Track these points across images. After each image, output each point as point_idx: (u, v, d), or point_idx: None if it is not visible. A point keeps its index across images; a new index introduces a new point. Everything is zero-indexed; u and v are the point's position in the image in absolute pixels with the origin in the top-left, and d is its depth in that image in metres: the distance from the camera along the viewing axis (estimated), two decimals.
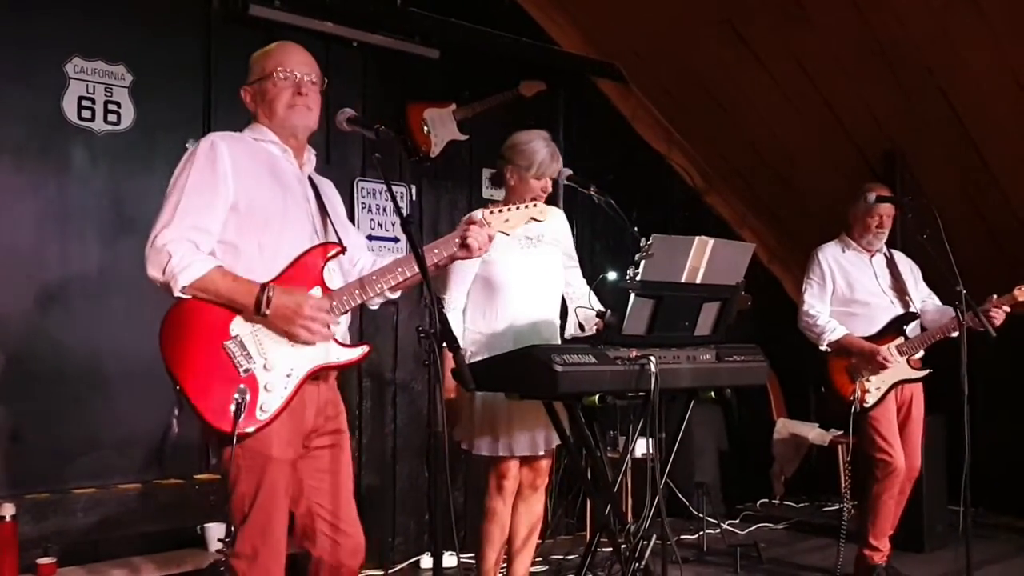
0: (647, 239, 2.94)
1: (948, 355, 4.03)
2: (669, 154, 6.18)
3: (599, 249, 5.68)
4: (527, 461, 3.52)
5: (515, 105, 5.13)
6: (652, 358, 2.93)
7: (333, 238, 2.57)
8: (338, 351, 2.50)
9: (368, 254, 2.77)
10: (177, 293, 2.32)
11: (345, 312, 2.52)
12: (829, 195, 5.69)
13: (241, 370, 2.35)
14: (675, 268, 3.03)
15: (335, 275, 2.57)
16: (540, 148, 3.46)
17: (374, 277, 2.51)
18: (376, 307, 2.77)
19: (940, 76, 4.90)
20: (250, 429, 2.33)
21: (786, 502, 6.31)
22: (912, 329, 4.30)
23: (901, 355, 4.21)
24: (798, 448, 6.11)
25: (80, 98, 3.87)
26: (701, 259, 3.06)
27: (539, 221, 2.81)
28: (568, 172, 3.60)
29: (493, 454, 3.44)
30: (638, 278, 2.93)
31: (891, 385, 4.22)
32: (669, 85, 5.82)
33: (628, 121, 6.00)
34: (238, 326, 2.37)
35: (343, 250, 2.55)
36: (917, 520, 4.94)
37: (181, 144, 4.11)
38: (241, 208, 2.43)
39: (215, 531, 3.80)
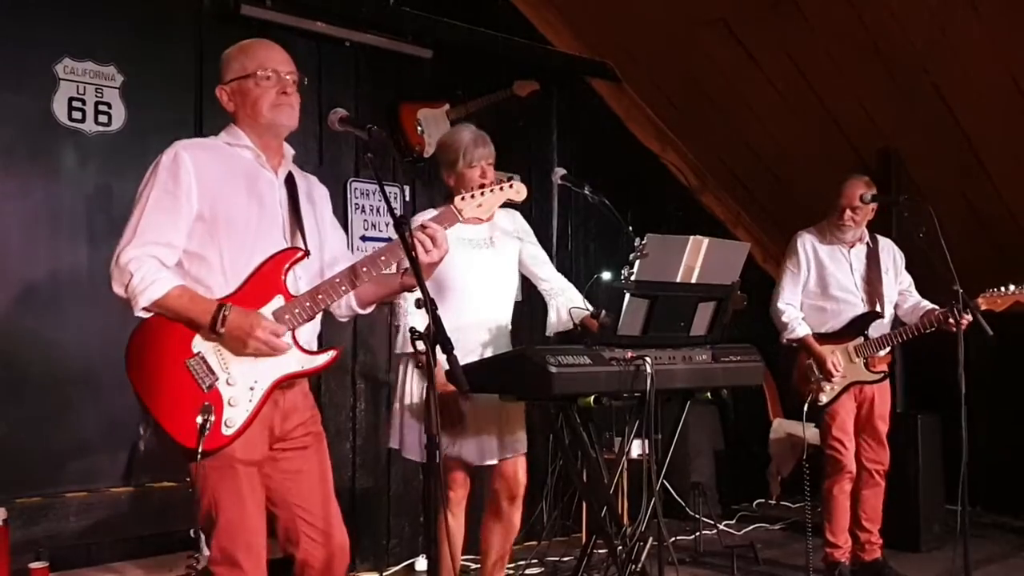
0: (642, 239, 2.93)
1: (944, 353, 4.02)
2: (663, 153, 6.17)
3: (593, 249, 5.66)
4: (495, 470, 3.39)
5: (508, 105, 5.12)
6: (648, 359, 2.92)
7: (299, 243, 2.53)
8: (302, 359, 2.47)
9: (348, 257, 2.69)
10: (138, 312, 2.35)
11: (310, 318, 2.48)
12: (824, 194, 5.67)
13: (204, 386, 2.35)
14: (670, 268, 3.02)
15: (302, 280, 2.53)
16: (461, 137, 3.35)
17: (337, 280, 2.48)
18: (344, 319, 2.75)
19: (936, 75, 4.89)
20: (216, 446, 2.34)
21: (783, 502, 6.29)
22: (877, 328, 4.32)
23: (858, 356, 4.27)
24: (795, 448, 6.08)
25: (70, 99, 3.84)
26: (696, 259, 3.04)
27: (516, 203, 2.73)
28: (562, 172, 3.58)
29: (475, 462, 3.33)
30: (633, 278, 2.92)
31: (845, 386, 4.28)
32: (663, 84, 5.80)
33: (622, 120, 5.99)
34: (199, 342, 2.37)
35: (306, 255, 2.51)
36: (914, 520, 4.94)
37: (174, 144, 4.10)
38: (207, 218, 2.41)
39: None
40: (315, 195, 2.70)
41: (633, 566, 3.11)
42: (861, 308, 4.34)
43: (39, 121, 3.78)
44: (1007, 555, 4.96)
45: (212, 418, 2.32)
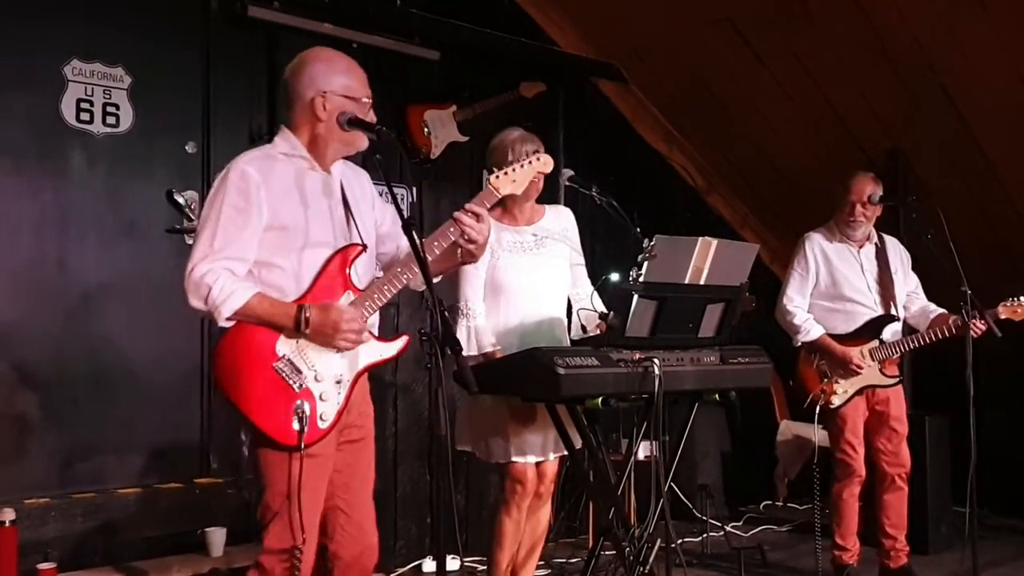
0: (650, 240, 2.93)
1: (952, 356, 4.01)
2: (670, 154, 6.16)
3: (600, 251, 5.65)
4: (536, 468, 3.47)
5: (515, 106, 5.10)
6: (656, 360, 2.92)
7: (356, 239, 2.61)
8: (380, 348, 2.60)
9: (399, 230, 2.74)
10: (222, 323, 2.42)
11: (378, 308, 2.60)
12: (832, 195, 5.67)
13: (295, 386, 2.45)
14: (678, 269, 3.01)
15: (367, 272, 2.65)
16: (508, 136, 3.44)
17: (399, 269, 2.58)
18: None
19: (943, 74, 4.88)
20: (315, 439, 2.45)
21: (790, 504, 6.27)
22: (891, 332, 4.27)
23: (873, 359, 4.20)
24: (802, 450, 6.07)
25: (79, 100, 3.85)
26: (705, 260, 3.04)
27: (545, 174, 2.79)
28: (570, 173, 3.59)
29: (507, 459, 3.38)
30: (641, 279, 2.91)
31: (858, 389, 4.22)
32: (669, 85, 5.80)
33: (628, 121, 5.98)
34: (283, 345, 2.46)
35: (364, 249, 2.61)
36: (922, 522, 4.92)
37: (180, 146, 4.11)
38: (275, 227, 2.49)
39: (216, 536, 3.78)
40: (361, 181, 2.76)
41: (641, 568, 3.10)
42: (875, 310, 4.26)
43: (47, 122, 3.78)
44: (1015, 557, 4.95)
45: (308, 414, 2.43)
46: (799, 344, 4.29)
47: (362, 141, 2.62)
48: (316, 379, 2.48)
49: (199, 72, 4.17)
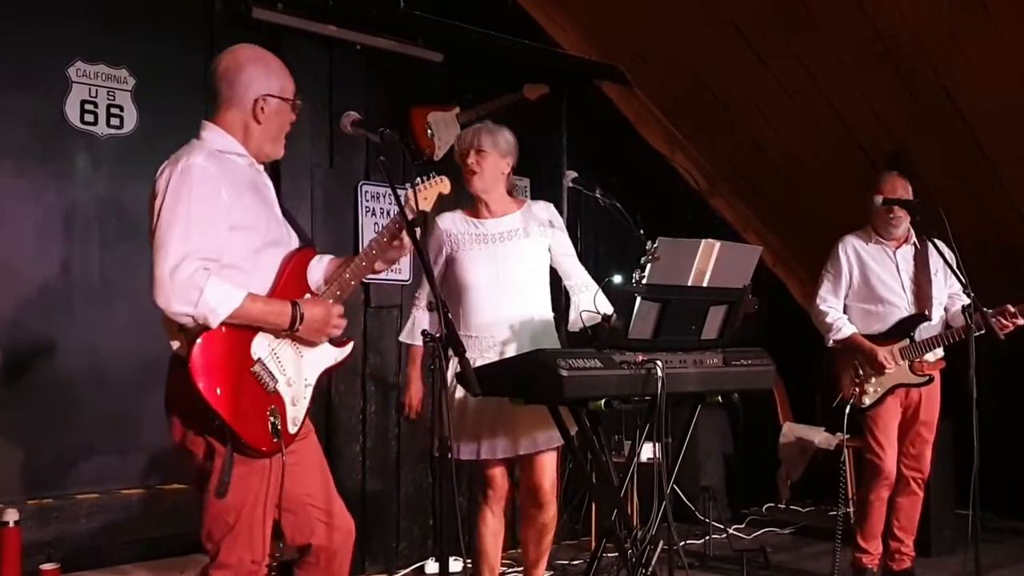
0: (653, 242, 2.92)
1: (955, 358, 4.01)
2: (672, 156, 6.16)
3: (603, 253, 5.66)
4: (522, 471, 3.46)
5: (518, 108, 5.11)
6: (659, 362, 2.91)
7: (295, 237, 2.61)
8: (335, 352, 2.62)
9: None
10: (213, 326, 2.30)
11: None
12: (834, 197, 5.67)
13: (269, 390, 2.42)
14: (681, 271, 3.01)
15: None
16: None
17: (347, 275, 2.58)
18: None
19: (946, 77, 4.88)
20: (287, 444, 2.43)
21: (792, 506, 6.28)
22: (925, 331, 4.23)
23: (903, 359, 4.17)
24: (804, 452, 6.07)
25: (83, 102, 3.86)
26: (708, 262, 3.04)
27: (444, 194, 2.88)
28: (573, 175, 3.59)
29: (473, 458, 3.38)
30: (644, 281, 2.91)
31: (890, 388, 4.19)
32: (672, 87, 5.80)
33: (631, 123, 5.98)
34: (258, 348, 2.41)
35: (315, 253, 2.64)
36: (925, 524, 4.89)
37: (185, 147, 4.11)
38: (236, 227, 2.41)
39: None
40: (270, 184, 2.71)
41: (643, 570, 3.10)
42: (908, 311, 4.24)
43: (51, 123, 3.80)
44: (1018, 560, 4.94)
45: (280, 418, 2.41)
46: (831, 343, 4.28)
47: (282, 146, 2.58)
48: (288, 383, 2.45)
49: (203, 74, 4.12)
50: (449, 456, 2.39)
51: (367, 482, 4.65)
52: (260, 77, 2.51)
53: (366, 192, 4.69)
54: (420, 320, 3.56)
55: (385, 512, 4.73)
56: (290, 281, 2.50)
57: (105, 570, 3.64)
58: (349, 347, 2.65)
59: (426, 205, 2.82)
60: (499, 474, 3.46)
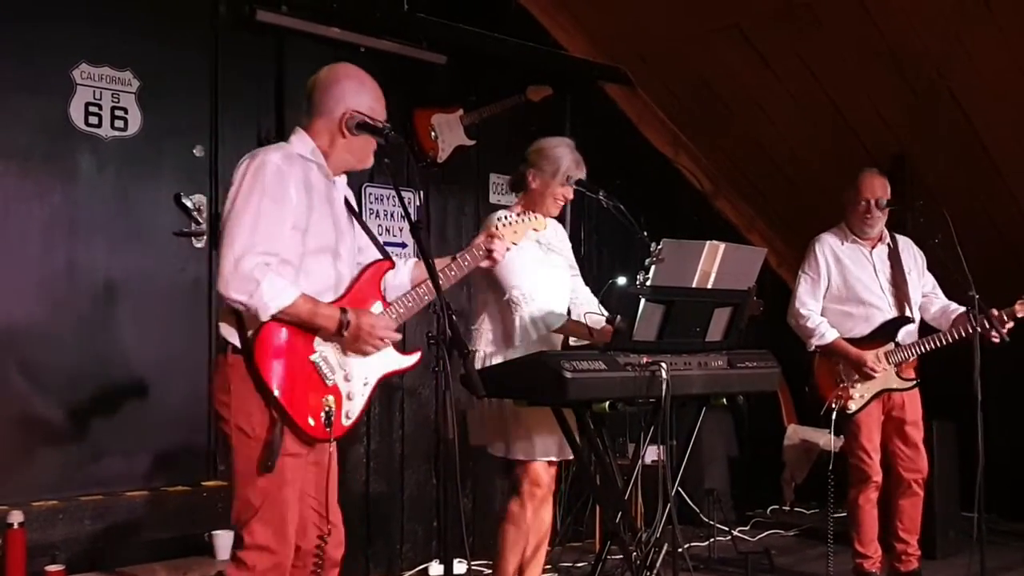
0: (657, 244, 2.92)
1: (960, 361, 4.00)
2: (676, 158, 6.16)
3: (606, 254, 5.66)
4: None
5: (522, 110, 5.11)
6: (663, 364, 2.91)
7: (377, 253, 2.74)
8: (399, 358, 2.72)
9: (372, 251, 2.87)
10: (264, 319, 2.42)
11: (402, 322, 2.71)
12: (838, 199, 5.65)
13: (328, 381, 2.53)
14: (686, 273, 3.01)
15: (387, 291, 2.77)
16: (566, 154, 3.48)
17: (422, 289, 2.70)
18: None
19: (950, 79, 4.87)
20: (338, 435, 2.54)
21: (797, 509, 6.27)
22: (907, 334, 4.22)
23: (889, 362, 4.16)
24: (809, 454, 6.06)
25: (87, 104, 3.86)
26: (712, 264, 3.04)
27: (537, 231, 3.03)
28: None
29: (529, 458, 3.36)
30: (648, 283, 2.91)
31: (876, 393, 4.17)
32: (676, 89, 5.80)
33: (635, 125, 5.98)
34: (320, 341, 2.53)
35: (393, 266, 2.78)
36: (930, 527, 4.90)
37: (188, 150, 4.12)
38: (301, 228, 2.52)
39: (223, 538, 3.78)
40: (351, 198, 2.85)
41: (648, 572, 3.10)
42: (889, 312, 4.21)
43: (56, 126, 3.79)
44: (1023, 562, 4.93)
45: (334, 408, 2.52)
46: (813, 349, 4.23)
47: (369, 159, 2.70)
48: (346, 378, 2.57)
49: (207, 76, 4.18)
50: (455, 458, 2.40)
51: (371, 484, 4.64)
52: (352, 93, 2.63)
53: (370, 194, 4.69)
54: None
55: (389, 514, 4.72)
56: (362, 288, 2.64)
57: (110, 572, 3.64)
58: (414, 357, 2.74)
59: (515, 239, 2.97)
60: (548, 474, 3.43)
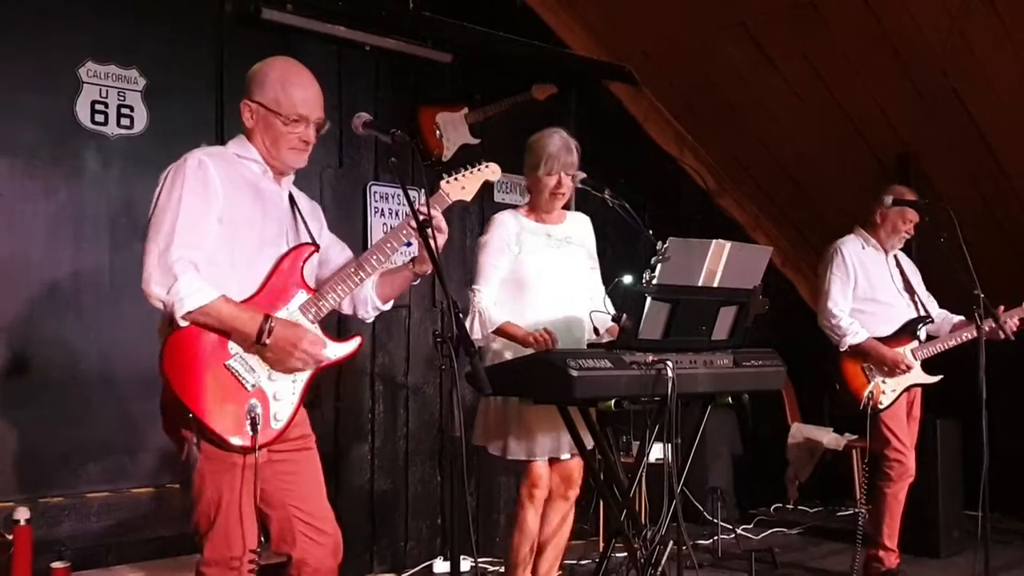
0: (663, 242, 2.92)
1: (964, 359, 4.00)
2: (681, 156, 6.16)
3: (612, 253, 5.64)
4: (555, 467, 3.47)
5: (527, 108, 5.11)
6: (669, 363, 2.91)
7: (307, 239, 2.59)
8: (334, 348, 2.52)
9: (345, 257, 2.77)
10: (179, 317, 2.31)
11: (331, 309, 2.56)
12: (842, 198, 5.67)
13: (248, 385, 2.38)
14: (692, 272, 3.01)
15: (311, 279, 2.59)
16: (548, 144, 3.42)
17: (352, 270, 2.56)
18: (369, 319, 2.81)
19: (955, 79, 4.87)
20: (268, 441, 2.39)
21: (800, 507, 6.27)
22: (926, 332, 4.32)
23: (916, 359, 4.23)
24: (812, 453, 6.07)
25: (93, 102, 3.87)
26: (718, 263, 3.03)
27: (491, 182, 2.88)
28: (582, 175, 3.58)
29: (525, 457, 3.37)
30: (654, 282, 2.91)
31: (905, 388, 4.25)
32: (681, 87, 5.80)
33: (640, 123, 5.98)
34: (235, 344, 2.39)
35: (317, 248, 2.59)
36: (933, 526, 4.91)
37: (194, 148, 4.11)
38: (224, 221, 2.43)
39: None
40: (314, 206, 2.77)
41: (652, 570, 3.10)
42: (909, 312, 4.32)
43: (62, 123, 3.81)
44: None
45: (260, 413, 2.36)
46: (845, 348, 4.27)
47: (297, 160, 2.57)
48: (270, 378, 2.42)
49: (213, 74, 4.19)
50: (461, 456, 2.39)
51: (375, 481, 4.65)
52: (255, 86, 2.57)
53: (375, 192, 4.70)
54: (489, 308, 3.35)
55: (393, 511, 4.73)
56: (280, 278, 2.48)
57: (116, 568, 3.65)
58: (352, 344, 2.56)
59: (466, 195, 2.80)
60: (545, 473, 3.44)
